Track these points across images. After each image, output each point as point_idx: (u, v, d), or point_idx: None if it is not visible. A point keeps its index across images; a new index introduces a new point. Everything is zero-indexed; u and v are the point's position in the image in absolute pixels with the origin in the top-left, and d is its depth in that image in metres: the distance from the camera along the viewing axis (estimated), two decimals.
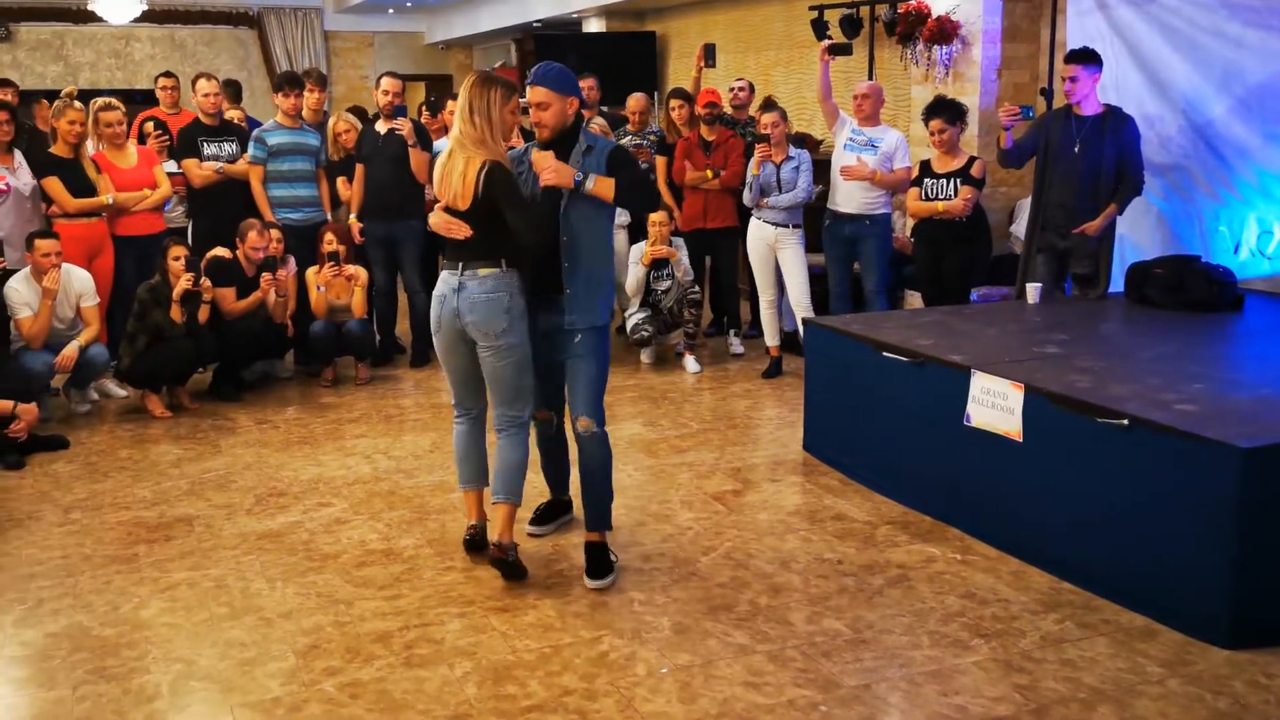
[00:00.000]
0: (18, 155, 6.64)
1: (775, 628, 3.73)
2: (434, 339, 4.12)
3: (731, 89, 8.14)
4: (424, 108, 7.86)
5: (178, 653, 3.62)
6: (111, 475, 5.39)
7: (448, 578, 4.15)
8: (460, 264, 3.96)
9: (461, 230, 3.93)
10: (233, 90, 9.23)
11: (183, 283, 6.20)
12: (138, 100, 11.11)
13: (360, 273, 7.01)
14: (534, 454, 4.30)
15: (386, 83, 7.30)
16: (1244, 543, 3.51)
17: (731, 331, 7.82)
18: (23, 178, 6.58)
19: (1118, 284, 6.11)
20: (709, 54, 8.24)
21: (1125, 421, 3.82)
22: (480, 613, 3.86)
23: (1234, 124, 6.16)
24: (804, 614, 3.83)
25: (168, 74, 8.29)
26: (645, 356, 7.47)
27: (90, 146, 7.03)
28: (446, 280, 4.01)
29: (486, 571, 4.17)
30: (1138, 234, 6.53)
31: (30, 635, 3.75)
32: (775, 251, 6.97)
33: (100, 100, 7.11)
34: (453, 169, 3.94)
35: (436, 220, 4.02)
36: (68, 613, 3.91)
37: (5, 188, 6.46)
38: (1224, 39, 6.09)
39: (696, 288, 7.31)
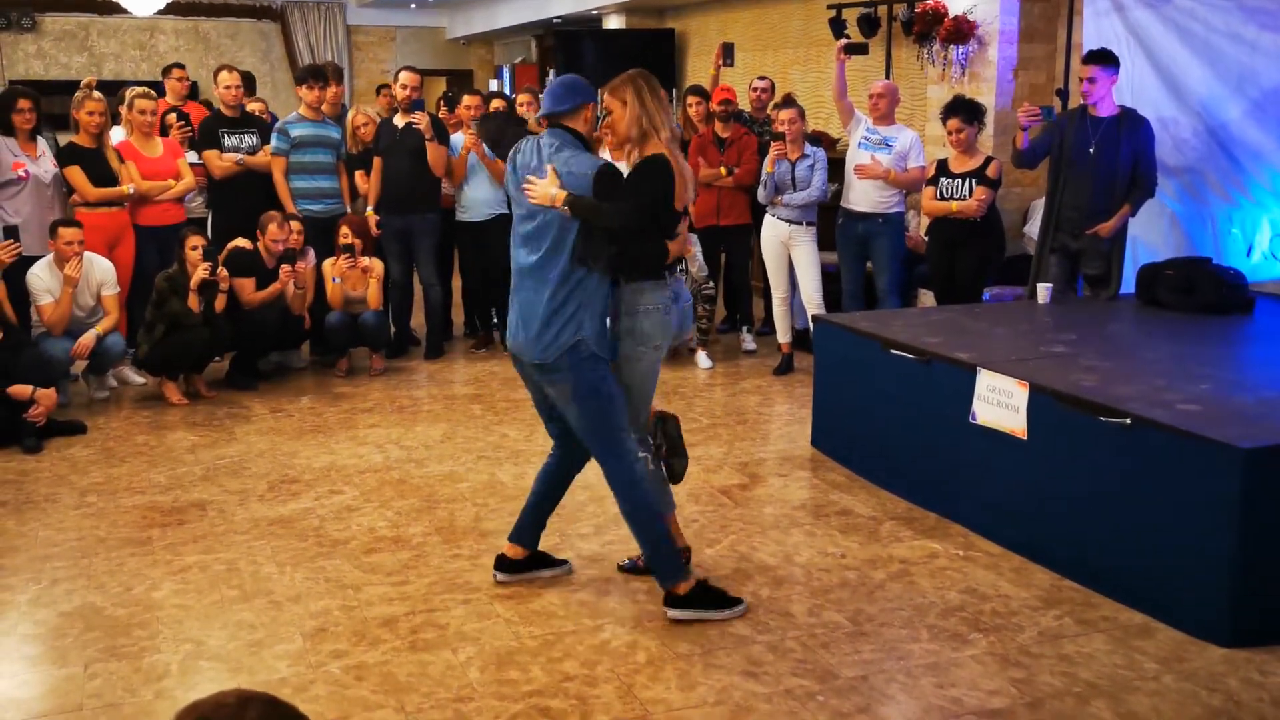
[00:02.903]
0: (41, 143, 6.73)
1: (776, 619, 3.77)
2: (655, 356, 3.88)
3: (754, 88, 8.16)
4: (441, 102, 7.92)
5: (188, 633, 3.68)
6: (127, 460, 5.47)
7: (454, 565, 4.21)
8: (667, 272, 3.87)
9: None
10: (247, 82, 9.31)
11: (200, 272, 6.28)
12: (161, 93, 11.21)
13: (375, 264, 7.08)
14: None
15: (404, 77, 7.38)
16: (1244, 542, 3.53)
17: (744, 328, 7.86)
18: (44, 165, 6.67)
19: (1129, 285, 6.12)
20: (727, 53, 8.29)
21: (1128, 420, 3.84)
22: (485, 599, 3.92)
23: (1249, 127, 6.17)
24: (805, 606, 3.87)
25: (179, 65, 8.42)
26: None
27: (114, 135, 7.11)
28: (661, 290, 3.82)
29: (493, 559, 4.22)
30: (1151, 236, 6.53)
31: (44, 614, 3.83)
32: (789, 249, 7.00)
33: (138, 89, 7.20)
34: (683, 170, 3.83)
35: (683, 237, 3.94)
36: (81, 593, 3.98)
37: (24, 175, 6.56)
38: (1240, 42, 6.09)
39: (711, 284, 7.35)
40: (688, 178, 3.83)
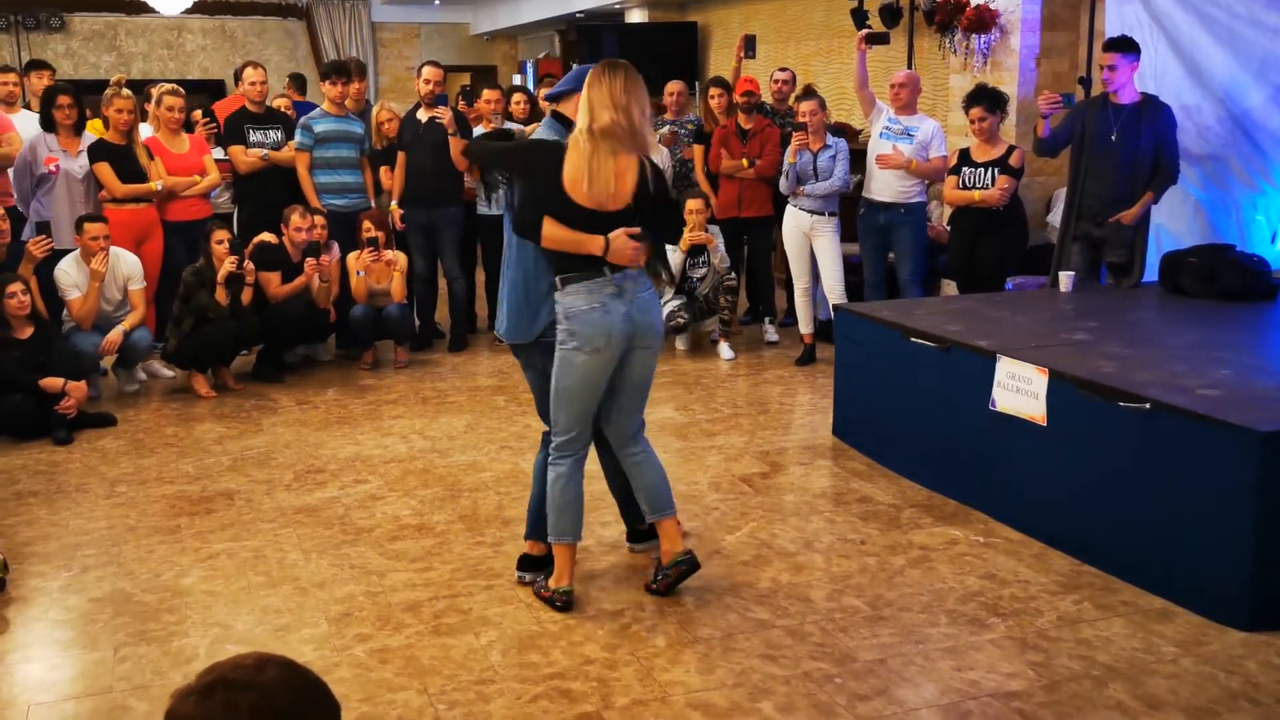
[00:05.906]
0: (86, 139, 6.84)
1: (795, 604, 3.79)
2: (588, 359, 3.60)
3: (775, 79, 8.17)
4: (460, 97, 7.98)
5: (216, 618, 3.75)
6: (157, 451, 5.55)
7: (477, 552, 4.26)
8: (608, 269, 3.57)
9: (644, 254, 3.64)
10: (298, 82, 9.51)
11: (227, 265, 6.36)
12: (189, 90, 11.34)
13: (399, 258, 7.14)
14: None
15: (428, 72, 7.43)
16: (1262, 526, 3.53)
17: (767, 319, 7.87)
18: (81, 161, 6.78)
19: (1153, 273, 6.10)
20: (748, 45, 8.30)
21: (1147, 405, 3.84)
22: (507, 585, 3.96)
23: (1272, 113, 6.12)
24: (824, 591, 3.89)
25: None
26: (680, 343, 7.54)
27: (143, 131, 7.20)
28: (595, 290, 3.57)
29: (515, 547, 4.26)
30: (1175, 223, 6.50)
31: (75, 600, 3.90)
32: (810, 239, 7.02)
33: (165, 85, 7.33)
34: (602, 167, 3.52)
35: (624, 246, 3.53)
36: (111, 579, 4.06)
37: (54, 169, 6.66)
38: (1262, 28, 6.05)
39: (733, 275, 7.36)
40: (591, 174, 3.52)
